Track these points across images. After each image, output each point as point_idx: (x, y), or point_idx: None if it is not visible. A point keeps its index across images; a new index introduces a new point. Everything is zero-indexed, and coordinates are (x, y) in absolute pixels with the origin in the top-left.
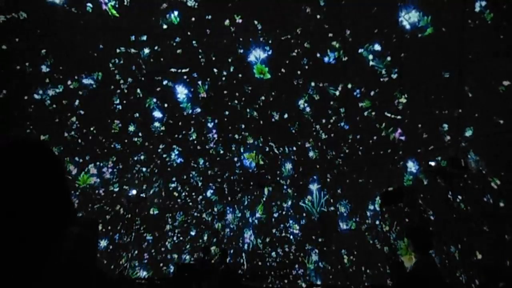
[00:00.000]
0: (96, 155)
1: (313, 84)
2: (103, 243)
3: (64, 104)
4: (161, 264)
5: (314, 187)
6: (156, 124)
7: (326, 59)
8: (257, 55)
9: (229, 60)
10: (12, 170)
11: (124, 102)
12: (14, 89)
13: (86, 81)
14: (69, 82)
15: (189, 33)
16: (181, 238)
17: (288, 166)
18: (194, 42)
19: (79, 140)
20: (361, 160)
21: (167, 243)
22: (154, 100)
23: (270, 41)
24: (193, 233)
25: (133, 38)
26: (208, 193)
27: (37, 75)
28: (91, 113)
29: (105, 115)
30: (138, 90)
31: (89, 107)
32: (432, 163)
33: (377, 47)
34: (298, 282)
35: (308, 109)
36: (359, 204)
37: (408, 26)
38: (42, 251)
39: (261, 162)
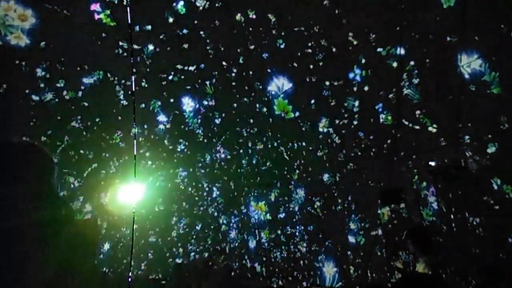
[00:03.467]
0: (99, 149)
1: (327, 83)
2: (106, 244)
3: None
4: (167, 254)
5: (328, 270)
6: (161, 126)
7: (351, 75)
8: (279, 84)
9: (238, 50)
10: (4, 170)
11: (127, 102)
12: (14, 86)
13: (86, 80)
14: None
15: (196, 22)
16: (187, 229)
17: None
18: (202, 33)
19: (84, 132)
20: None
21: (173, 233)
22: (159, 103)
23: (282, 33)
24: (198, 228)
25: (137, 28)
26: (214, 191)
27: (35, 75)
28: (93, 111)
29: (107, 115)
30: (143, 83)
31: (90, 106)
32: (432, 163)
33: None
34: (303, 283)
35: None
36: (367, 208)
37: (467, 76)
38: (37, 251)
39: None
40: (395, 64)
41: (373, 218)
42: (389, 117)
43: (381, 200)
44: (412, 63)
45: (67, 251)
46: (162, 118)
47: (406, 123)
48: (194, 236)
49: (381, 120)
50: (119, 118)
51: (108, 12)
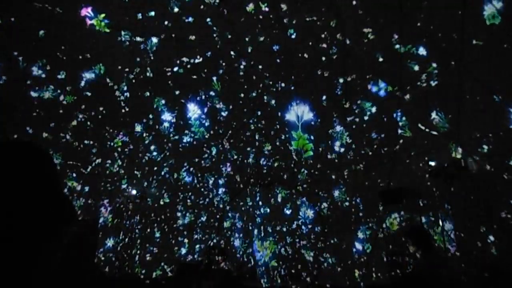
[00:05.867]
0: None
1: (341, 80)
2: (110, 241)
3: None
4: (173, 241)
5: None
6: (166, 124)
7: (374, 89)
8: (299, 112)
9: (247, 39)
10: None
11: (130, 100)
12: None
13: (87, 75)
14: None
15: (202, 7)
16: (193, 218)
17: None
18: (209, 20)
19: (88, 122)
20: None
21: (178, 221)
22: (163, 101)
23: (293, 22)
24: (203, 219)
25: (140, 16)
26: (219, 184)
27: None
28: (95, 108)
29: (109, 114)
30: (148, 73)
31: (91, 103)
32: (432, 163)
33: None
34: (307, 280)
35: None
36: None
37: None
38: (33, 251)
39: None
40: (416, 68)
41: (378, 218)
42: (408, 130)
43: (382, 200)
44: (434, 65)
45: (68, 250)
46: (166, 114)
47: (422, 127)
48: (199, 224)
49: (399, 131)
50: (123, 111)
51: (102, 16)
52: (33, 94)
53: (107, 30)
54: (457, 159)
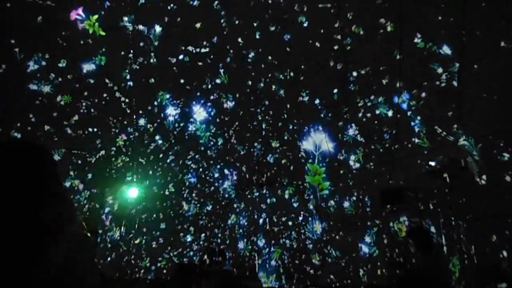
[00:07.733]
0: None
1: (355, 74)
2: (115, 234)
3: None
4: (178, 228)
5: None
6: (171, 118)
7: (396, 99)
8: (317, 140)
9: (255, 24)
10: (2, 171)
11: (133, 91)
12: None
13: (86, 66)
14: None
15: None
16: (198, 206)
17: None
18: (216, 3)
19: (92, 110)
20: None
21: (184, 208)
22: (168, 96)
23: (305, 9)
24: (209, 208)
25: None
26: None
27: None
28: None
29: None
30: (152, 59)
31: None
32: (432, 163)
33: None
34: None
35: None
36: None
37: None
38: (33, 252)
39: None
40: (440, 70)
41: (384, 218)
42: (426, 140)
43: (381, 200)
44: (457, 64)
45: (68, 250)
46: (171, 107)
47: (439, 130)
48: (204, 211)
49: (416, 141)
50: (126, 101)
51: (94, 18)
52: (33, 87)
53: (103, 33)
54: (457, 159)
